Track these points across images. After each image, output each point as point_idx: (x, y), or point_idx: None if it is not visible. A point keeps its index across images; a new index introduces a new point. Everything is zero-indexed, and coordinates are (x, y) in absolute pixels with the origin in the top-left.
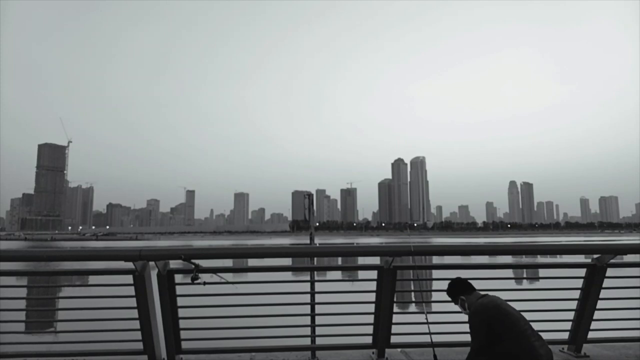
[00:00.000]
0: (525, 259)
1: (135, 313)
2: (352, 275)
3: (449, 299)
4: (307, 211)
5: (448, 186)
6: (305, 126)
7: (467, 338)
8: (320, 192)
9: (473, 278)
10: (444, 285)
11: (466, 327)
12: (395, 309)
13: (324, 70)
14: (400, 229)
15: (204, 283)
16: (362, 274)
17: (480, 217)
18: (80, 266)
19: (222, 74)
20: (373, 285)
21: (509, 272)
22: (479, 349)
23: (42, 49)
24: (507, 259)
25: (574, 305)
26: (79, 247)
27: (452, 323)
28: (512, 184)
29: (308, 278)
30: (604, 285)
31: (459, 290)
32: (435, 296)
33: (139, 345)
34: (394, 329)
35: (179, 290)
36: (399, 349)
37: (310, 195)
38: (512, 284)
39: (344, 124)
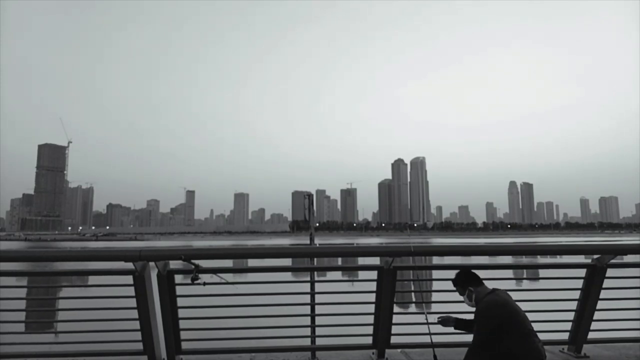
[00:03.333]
0: (525, 260)
1: (135, 313)
2: (352, 276)
3: (449, 299)
4: (307, 211)
5: (448, 186)
6: (305, 126)
7: (467, 338)
8: (320, 193)
9: None
10: (444, 285)
11: None
12: (396, 310)
13: (324, 70)
14: (400, 229)
15: (204, 283)
16: (362, 275)
17: (480, 218)
18: (81, 266)
19: (222, 75)
20: (373, 286)
21: (509, 273)
22: (481, 345)
23: (42, 50)
24: (507, 260)
25: (574, 305)
26: (79, 247)
27: None
28: (512, 184)
29: (308, 278)
30: (604, 286)
31: (468, 280)
32: (435, 296)
33: (139, 346)
34: (394, 329)
35: (179, 290)
36: (399, 350)
37: (310, 195)
38: (512, 284)
39: (344, 124)
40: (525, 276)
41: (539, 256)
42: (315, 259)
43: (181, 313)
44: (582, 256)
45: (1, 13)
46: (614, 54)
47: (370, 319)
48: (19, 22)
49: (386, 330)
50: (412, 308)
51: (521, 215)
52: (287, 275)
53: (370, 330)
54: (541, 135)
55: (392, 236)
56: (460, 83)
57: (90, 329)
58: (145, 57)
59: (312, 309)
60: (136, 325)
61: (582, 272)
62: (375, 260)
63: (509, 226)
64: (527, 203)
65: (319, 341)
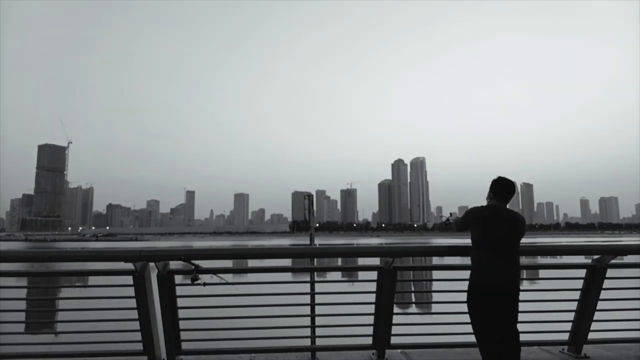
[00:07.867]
0: (525, 260)
1: (135, 314)
2: (352, 276)
3: (449, 299)
4: (307, 212)
5: (448, 187)
6: (305, 126)
7: (468, 339)
8: (320, 193)
9: None
10: (444, 285)
11: (466, 328)
12: (396, 310)
13: (324, 71)
14: (401, 230)
15: (204, 284)
16: (362, 275)
17: None
18: (81, 267)
19: (222, 75)
20: (373, 286)
21: None
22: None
23: (42, 50)
24: None
25: (574, 306)
26: (79, 247)
27: (452, 324)
28: None
29: (308, 279)
30: (604, 286)
31: (493, 188)
32: (435, 297)
33: (139, 346)
34: (394, 329)
35: (179, 291)
36: (399, 350)
37: (310, 195)
38: None
39: (344, 124)
40: (525, 276)
41: (539, 256)
42: (315, 259)
43: (181, 313)
44: (582, 256)
45: (1, 13)
46: (614, 55)
47: (370, 319)
48: (19, 22)
49: (386, 331)
50: (412, 308)
51: None
52: (287, 276)
53: (370, 330)
54: (541, 136)
55: (392, 236)
56: (461, 83)
57: (90, 329)
58: (145, 59)
59: (312, 309)
60: (136, 325)
61: (582, 273)
62: (375, 261)
63: None
64: (527, 203)
65: (319, 341)
